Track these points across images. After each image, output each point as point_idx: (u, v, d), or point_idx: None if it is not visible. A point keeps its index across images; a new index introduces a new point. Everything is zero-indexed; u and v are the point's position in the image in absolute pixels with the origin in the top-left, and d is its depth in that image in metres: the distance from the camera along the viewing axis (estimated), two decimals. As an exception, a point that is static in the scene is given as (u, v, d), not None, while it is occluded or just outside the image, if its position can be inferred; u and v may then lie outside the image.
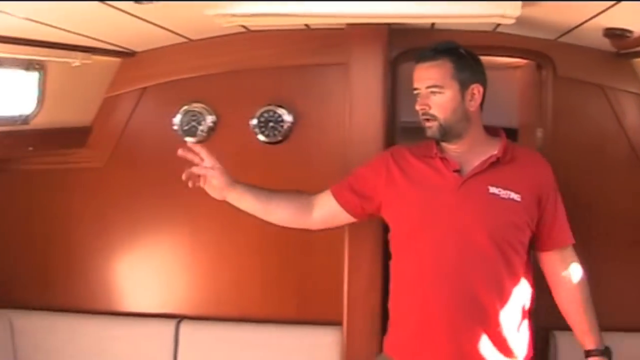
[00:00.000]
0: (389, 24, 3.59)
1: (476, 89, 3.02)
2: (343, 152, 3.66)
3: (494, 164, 2.97)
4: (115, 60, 3.94)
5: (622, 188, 3.93)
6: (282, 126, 3.92)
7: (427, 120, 2.99)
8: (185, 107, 3.99)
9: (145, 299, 4.12)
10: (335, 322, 3.77)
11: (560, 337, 3.83)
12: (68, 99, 3.78)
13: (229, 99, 4.00)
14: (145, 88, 4.04)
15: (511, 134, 4.66)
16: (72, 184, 4.15)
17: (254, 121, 3.94)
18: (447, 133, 2.99)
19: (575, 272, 3.13)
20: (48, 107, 3.60)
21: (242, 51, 3.93)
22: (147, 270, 4.10)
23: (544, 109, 3.95)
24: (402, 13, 3.23)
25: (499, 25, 3.59)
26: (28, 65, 3.38)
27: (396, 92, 3.87)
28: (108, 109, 4.05)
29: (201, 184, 3.17)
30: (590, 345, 3.09)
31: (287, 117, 3.92)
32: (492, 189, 2.95)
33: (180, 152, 3.13)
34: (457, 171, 2.98)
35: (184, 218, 4.05)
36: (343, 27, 3.62)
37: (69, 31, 3.08)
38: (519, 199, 2.95)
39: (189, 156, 3.14)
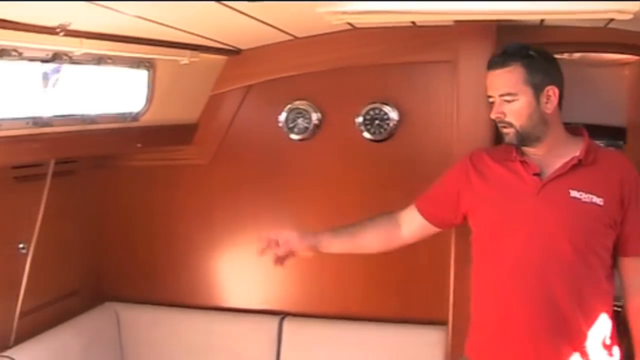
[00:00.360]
0: (497, 21, 3.54)
1: (551, 91, 2.91)
2: (449, 151, 3.61)
3: (576, 166, 2.88)
4: (222, 58, 3.97)
5: None
6: (387, 124, 3.90)
7: (504, 127, 2.92)
8: (290, 105, 4.01)
9: (248, 295, 4.15)
10: (439, 322, 3.73)
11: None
12: (175, 97, 3.84)
13: (335, 97, 4.00)
14: (250, 86, 4.07)
15: (619, 132, 4.57)
16: (177, 181, 4.23)
17: (360, 119, 3.93)
18: (524, 139, 2.91)
19: None
20: (156, 104, 3.67)
21: (348, 48, 3.91)
22: (250, 266, 4.12)
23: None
24: (511, 10, 3.16)
25: (611, 20, 3.50)
26: (138, 64, 3.45)
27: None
28: (214, 107, 4.09)
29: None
30: None
31: (393, 115, 3.90)
32: (574, 193, 2.85)
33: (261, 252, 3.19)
34: (537, 175, 2.91)
35: (287, 215, 4.07)
36: (450, 24, 3.57)
37: (178, 29, 3.11)
38: (601, 203, 2.83)
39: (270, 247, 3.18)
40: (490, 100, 2.94)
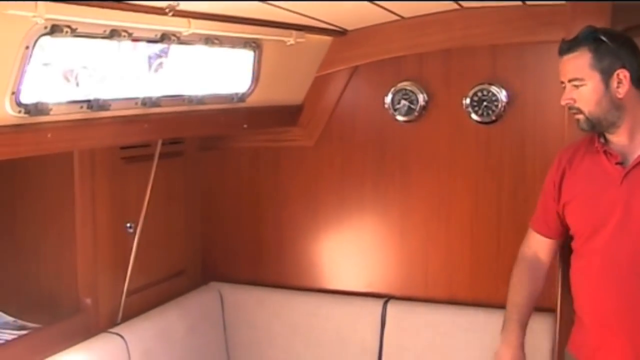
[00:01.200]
0: (612, 1, 3.42)
1: (622, 74, 2.77)
2: (561, 135, 3.51)
3: None
4: (327, 39, 3.95)
5: None
6: (496, 105, 3.81)
7: (575, 113, 2.84)
8: (396, 86, 3.96)
9: (353, 277, 4.14)
10: (548, 309, 3.63)
11: None
12: (281, 78, 3.84)
13: (442, 78, 3.94)
14: (356, 67, 4.05)
15: None
16: (283, 162, 4.25)
17: (467, 100, 3.86)
18: (595, 125, 2.81)
19: None
20: (263, 85, 3.69)
21: (456, 29, 3.83)
22: (355, 249, 4.11)
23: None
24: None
25: None
26: (244, 44, 3.45)
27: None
28: (319, 88, 4.08)
29: None
30: None
31: (502, 97, 3.81)
32: None
33: None
34: (620, 163, 2.80)
35: (394, 198, 4.03)
36: (563, 3, 3.46)
37: (285, 9, 3.10)
38: None
39: None
40: (562, 86, 2.87)
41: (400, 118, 3.96)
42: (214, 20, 2.95)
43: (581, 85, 2.79)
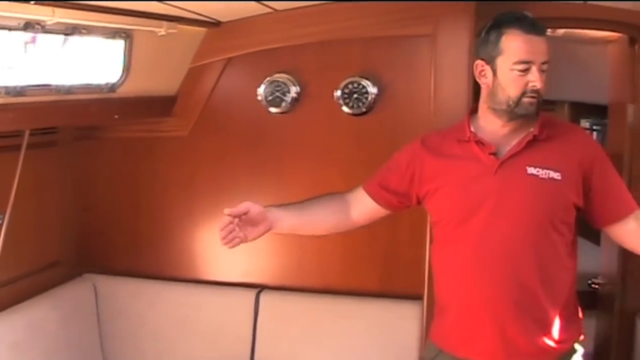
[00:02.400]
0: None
1: None
2: (429, 124, 3.62)
3: (531, 142, 2.82)
4: (201, 30, 3.96)
5: None
6: (366, 98, 3.88)
7: (533, 97, 2.77)
8: (269, 78, 3.99)
9: (228, 267, 4.16)
10: (418, 296, 3.73)
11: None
12: (154, 68, 3.82)
13: (314, 70, 3.98)
14: (230, 58, 4.05)
15: (602, 110, 4.56)
16: (158, 152, 4.22)
17: (338, 92, 3.91)
18: (538, 110, 2.82)
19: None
20: (134, 75, 3.65)
21: (328, 22, 3.89)
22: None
23: (636, 85, 3.84)
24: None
25: (593, -6, 3.51)
26: (114, 34, 3.41)
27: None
28: (193, 79, 4.08)
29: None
30: None
31: (372, 89, 3.87)
32: (531, 170, 2.80)
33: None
34: (494, 154, 2.85)
35: (268, 188, 4.06)
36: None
37: (156, 0, 3.09)
38: (559, 178, 2.79)
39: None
40: (521, 67, 2.76)
41: (272, 110, 3.99)
42: (80, 9, 2.91)
43: (546, 70, 2.78)
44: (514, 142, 2.84)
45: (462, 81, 3.54)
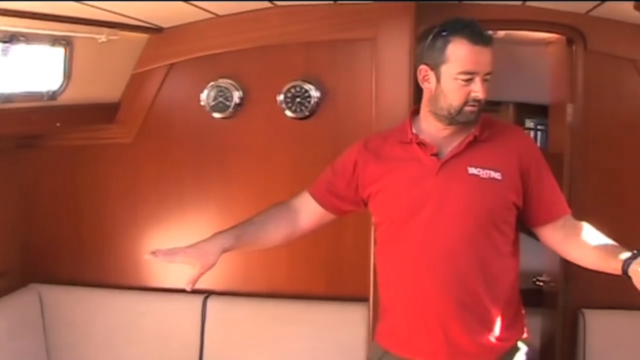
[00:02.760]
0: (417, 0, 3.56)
1: None
2: (371, 127, 3.64)
3: (472, 143, 2.84)
4: (143, 36, 3.94)
5: (655, 164, 3.89)
6: (309, 102, 3.90)
7: (474, 106, 2.77)
8: (212, 83, 3.99)
9: (174, 274, 4.10)
10: (364, 298, 3.74)
11: (589, 315, 3.81)
12: (96, 75, 3.79)
13: (257, 75, 3.99)
14: (172, 64, 4.04)
15: (546, 110, 4.63)
16: (101, 160, 4.19)
17: (281, 97, 3.93)
18: (478, 116, 2.83)
19: (582, 228, 2.87)
20: (76, 83, 3.62)
21: (270, 27, 3.91)
22: (175, 245, 4.06)
23: (575, 85, 3.91)
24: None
25: (528, -1, 3.56)
26: (54, 41, 3.38)
27: (425, 68, 3.84)
28: (136, 85, 4.06)
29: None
30: (623, 257, 2.65)
31: (315, 93, 3.90)
32: (472, 170, 2.81)
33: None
34: (435, 155, 2.85)
35: (212, 193, 4.07)
36: (371, 2, 3.58)
37: (94, 6, 3.07)
38: (500, 178, 2.80)
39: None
40: (465, 77, 2.74)
41: (216, 115, 3.99)
42: (18, 17, 2.88)
43: (489, 80, 2.76)
44: (455, 143, 2.85)
45: (403, 84, 3.56)
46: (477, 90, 2.73)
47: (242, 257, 4.01)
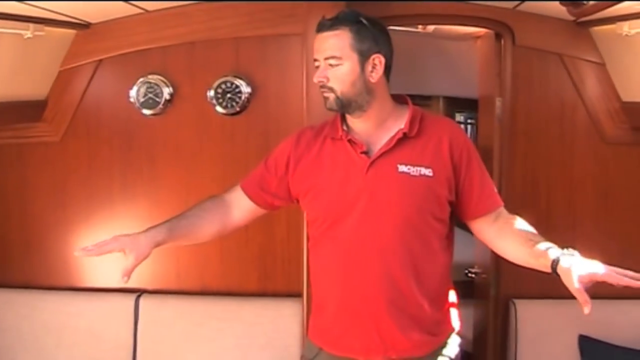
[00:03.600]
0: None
1: (377, 59, 2.85)
2: (302, 123, 3.64)
3: (401, 139, 2.86)
4: (70, 32, 3.87)
5: (581, 157, 3.98)
6: (239, 97, 3.87)
7: (325, 92, 2.85)
8: (141, 79, 3.94)
9: (105, 273, 4.07)
10: (297, 294, 3.74)
11: (520, 305, 3.87)
12: (21, 72, 3.69)
13: (186, 71, 3.95)
14: (101, 60, 3.98)
15: (474, 104, 4.69)
16: (29, 159, 4.10)
17: (211, 92, 3.90)
18: (345, 106, 2.85)
19: (513, 224, 2.90)
20: (0, 80, 3.53)
21: (199, 22, 3.89)
22: (105, 244, 4.04)
23: (503, 79, 3.97)
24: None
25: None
26: (-24, 37, 3.31)
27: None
28: (64, 82, 3.98)
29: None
30: (553, 256, 2.71)
31: (245, 88, 3.88)
32: (402, 167, 2.83)
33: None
34: (365, 153, 2.87)
35: (142, 191, 4.02)
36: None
37: (20, 1, 3.01)
38: (430, 174, 2.82)
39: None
40: (316, 64, 2.86)
41: (146, 112, 3.94)
42: None
43: (337, 65, 2.79)
44: (385, 140, 2.86)
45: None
46: (315, 76, 2.84)
47: (174, 256, 4.01)
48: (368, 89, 2.84)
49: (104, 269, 4.08)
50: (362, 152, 2.85)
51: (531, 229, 2.86)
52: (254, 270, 3.96)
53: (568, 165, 3.96)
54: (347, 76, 2.81)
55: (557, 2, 3.27)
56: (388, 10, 3.83)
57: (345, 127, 2.93)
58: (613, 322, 3.85)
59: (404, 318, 2.85)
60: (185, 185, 3.94)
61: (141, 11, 3.83)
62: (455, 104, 6.94)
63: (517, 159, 3.97)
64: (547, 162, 3.96)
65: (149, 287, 4.04)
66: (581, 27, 3.80)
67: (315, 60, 2.86)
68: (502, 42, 3.98)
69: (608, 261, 3.87)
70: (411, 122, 2.87)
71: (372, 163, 2.83)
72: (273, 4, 3.80)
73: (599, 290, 3.87)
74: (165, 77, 3.93)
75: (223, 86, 3.87)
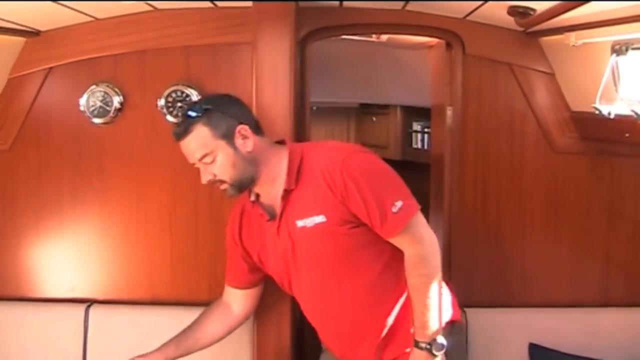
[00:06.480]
0: (296, 2, 3.56)
1: (242, 130, 2.93)
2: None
3: (287, 196, 2.92)
4: (20, 39, 3.83)
5: (530, 166, 4.02)
6: (190, 106, 3.84)
7: (219, 185, 2.96)
8: (92, 87, 3.89)
9: (54, 283, 4.03)
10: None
11: (471, 313, 3.89)
12: (-31, 79, 3.67)
13: (136, 79, 3.92)
14: (51, 68, 3.93)
15: (427, 113, 4.72)
16: (-23, 168, 4.03)
17: (162, 101, 3.86)
18: (242, 187, 2.95)
19: (408, 262, 2.92)
20: (-53, 87, 3.50)
21: (150, 30, 3.86)
22: (55, 254, 4.01)
23: (454, 88, 4.00)
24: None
25: (407, 3, 3.59)
26: None
27: (305, 72, 3.86)
28: (12, 90, 3.92)
29: None
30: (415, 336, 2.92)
31: (196, 97, 3.83)
32: (299, 223, 2.90)
33: None
34: (271, 218, 2.99)
35: (92, 200, 3.97)
36: (250, 5, 3.56)
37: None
38: (324, 219, 2.86)
39: None
40: (196, 166, 2.97)
41: (96, 120, 3.90)
42: None
43: (213, 159, 2.88)
44: (279, 199, 2.94)
45: (283, 88, 3.55)
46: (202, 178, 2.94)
47: (124, 265, 4.00)
48: (250, 160, 2.92)
49: (54, 279, 4.04)
50: (268, 220, 2.98)
51: (417, 281, 2.90)
52: (204, 279, 3.94)
53: (518, 174, 4.00)
54: (227, 163, 2.90)
55: (505, 13, 3.31)
56: (339, 19, 3.85)
57: (253, 197, 3.04)
58: (563, 330, 3.89)
59: (380, 342, 3.01)
60: (135, 194, 3.91)
61: (91, 19, 3.80)
62: (412, 113, 6.97)
63: (468, 167, 3.99)
64: (497, 171, 3.99)
65: (99, 297, 4.00)
66: (530, 37, 3.84)
67: (194, 164, 2.96)
68: (453, 51, 4.00)
69: (558, 269, 3.97)
70: (289, 174, 2.92)
71: (278, 227, 2.95)
72: (223, 12, 3.79)
73: (549, 299, 3.98)
74: (115, 86, 3.89)
75: (173, 95, 3.84)
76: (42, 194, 4.00)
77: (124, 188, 3.91)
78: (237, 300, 3.32)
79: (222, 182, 2.91)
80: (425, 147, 6.57)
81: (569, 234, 4.02)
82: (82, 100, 3.90)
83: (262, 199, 3.02)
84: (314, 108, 5.06)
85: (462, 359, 3.61)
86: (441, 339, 2.89)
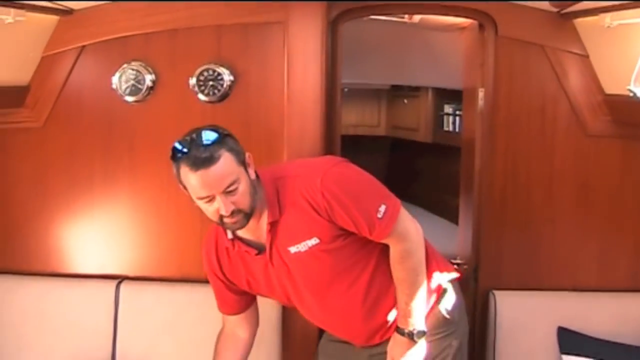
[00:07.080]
0: (327, -18, 3.57)
1: (250, 157, 2.88)
2: (282, 112, 3.66)
3: (275, 227, 2.90)
4: (53, 18, 3.86)
5: (561, 150, 3.98)
6: (221, 85, 3.85)
7: (230, 218, 2.78)
8: (124, 66, 3.92)
9: (86, 260, 4.07)
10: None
11: (500, 297, 3.88)
12: (3, 57, 3.68)
13: (169, 58, 3.94)
14: (83, 47, 3.96)
15: (458, 95, 4.69)
16: (10, 145, 4.08)
17: (193, 80, 3.88)
18: (250, 218, 2.84)
19: (394, 257, 2.99)
20: (-19, 65, 3.53)
21: (182, 9, 3.87)
22: (87, 231, 4.05)
23: (486, 70, 3.97)
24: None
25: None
26: (-43, 21, 3.30)
27: (337, 52, 3.84)
28: (46, 68, 3.96)
29: None
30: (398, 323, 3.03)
31: (227, 76, 3.85)
32: (292, 249, 2.90)
33: None
34: (259, 252, 2.96)
35: (124, 178, 4.00)
36: (282, -15, 3.57)
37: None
38: (317, 241, 2.87)
39: None
40: (206, 200, 2.76)
41: (128, 98, 3.93)
42: None
43: (236, 188, 2.73)
44: (265, 228, 2.92)
45: (315, 68, 3.57)
46: (221, 207, 2.73)
47: (155, 242, 4.03)
48: (256, 189, 2.85)
49: (85, 255, 4.08)
50: (256, 255, 2.95)
51: (402, 274, 2.98)
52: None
53: (548, 157, 3.96)
54: (246, 191, 2.78)
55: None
56: (373, -1, 3.85)
57: (230, 237, 3.01)
58: (591, 315, 3.88)
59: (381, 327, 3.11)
60: (166, 172, 3.84)
61: (123, -2, 3.82)
62: (444, 96, 6.92)
63: (498, 150, 3.96)
64: (528, 153, 3.96)
65: (130, 273, 4.04)
66: (564, 19, 3.79)
67: (205, 197, 2.76)
68: (485, 33, 3.97)
69: (587, 253, 3.94)
70: (271, 207, 2.88)
71: (270, 258, 2.94)
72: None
73: (578, 283, 3.96)
74: (147, 64, 3.91)
75: (205, 74, 3.86)
76: (74, 171, 4.04)
77: (154, 166, 3.93)
78: (239, 325, 3.31)
79: (238, 213, 2.77)
80: (457, 130, 6.52)
81: (599, 218, 3.99)
82: (115, 79, 3.93)
83: (242, 234, 2.97)
84: (345, 90, 5.05)
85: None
86: (422, 326, 2.97)
